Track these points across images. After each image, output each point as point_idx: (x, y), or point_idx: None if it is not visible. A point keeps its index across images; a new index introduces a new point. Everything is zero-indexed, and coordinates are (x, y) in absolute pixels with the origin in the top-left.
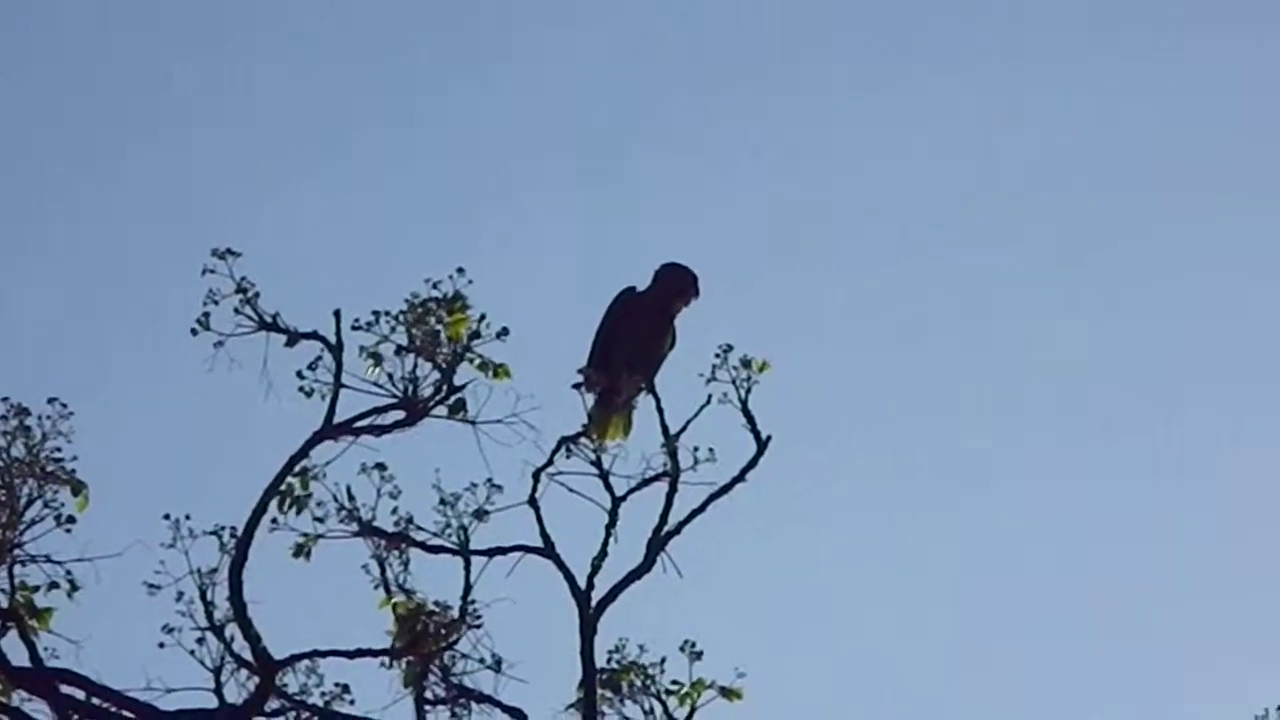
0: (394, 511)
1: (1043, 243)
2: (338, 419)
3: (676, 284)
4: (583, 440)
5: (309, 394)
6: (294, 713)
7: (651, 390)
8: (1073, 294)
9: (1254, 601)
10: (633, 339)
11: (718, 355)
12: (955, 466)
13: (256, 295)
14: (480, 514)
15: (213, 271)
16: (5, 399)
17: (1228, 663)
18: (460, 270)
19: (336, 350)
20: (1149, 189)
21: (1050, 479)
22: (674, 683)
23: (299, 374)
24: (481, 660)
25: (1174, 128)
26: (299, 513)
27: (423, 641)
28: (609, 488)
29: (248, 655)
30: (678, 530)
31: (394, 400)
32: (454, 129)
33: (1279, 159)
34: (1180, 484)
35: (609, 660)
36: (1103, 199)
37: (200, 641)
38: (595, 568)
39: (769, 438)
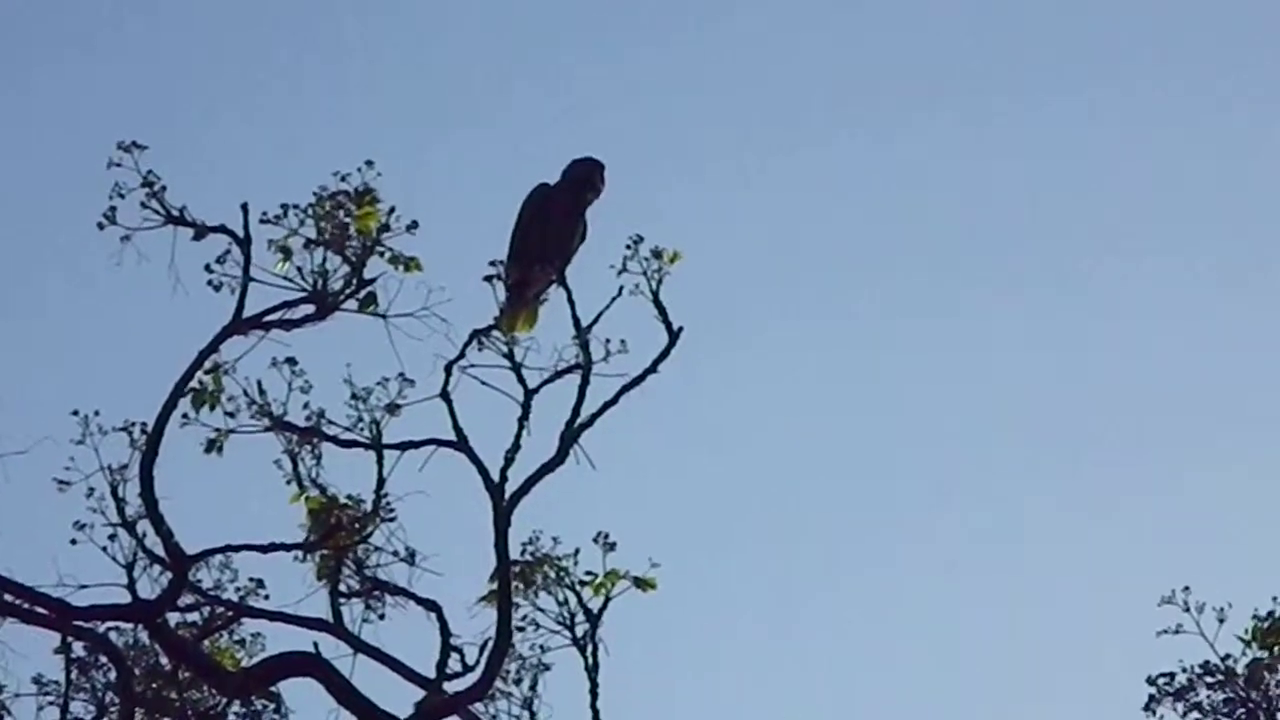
0: (305, 406)
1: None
2: (247, 313)
3: (584, 176)
4: (494, 333)
5: (218, 288)
6: (208, 608)
7: (563, 283)
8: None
9: None
10: (545, 233)
11: (629, 246)
12: (867, 354)
13: (163, 189)
14: (392, 408)
15: (119, 165)
16: None
17: None
18: (369, 163)
19: (245, 244)
20: None
21: (966, 368)
22: (588, 574)
23: (207, 268)
24: (395, 553)
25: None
26: (211, 409)
27: (336, 535)
28: (521, 380)
29: (160, 551)
30: (590, 422)
31: (304, 294)
32: (365, 25)
33: None
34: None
35: (523, 552)
36: None
37: (112, 538)
38: (508, 460)
39: (680, 329)
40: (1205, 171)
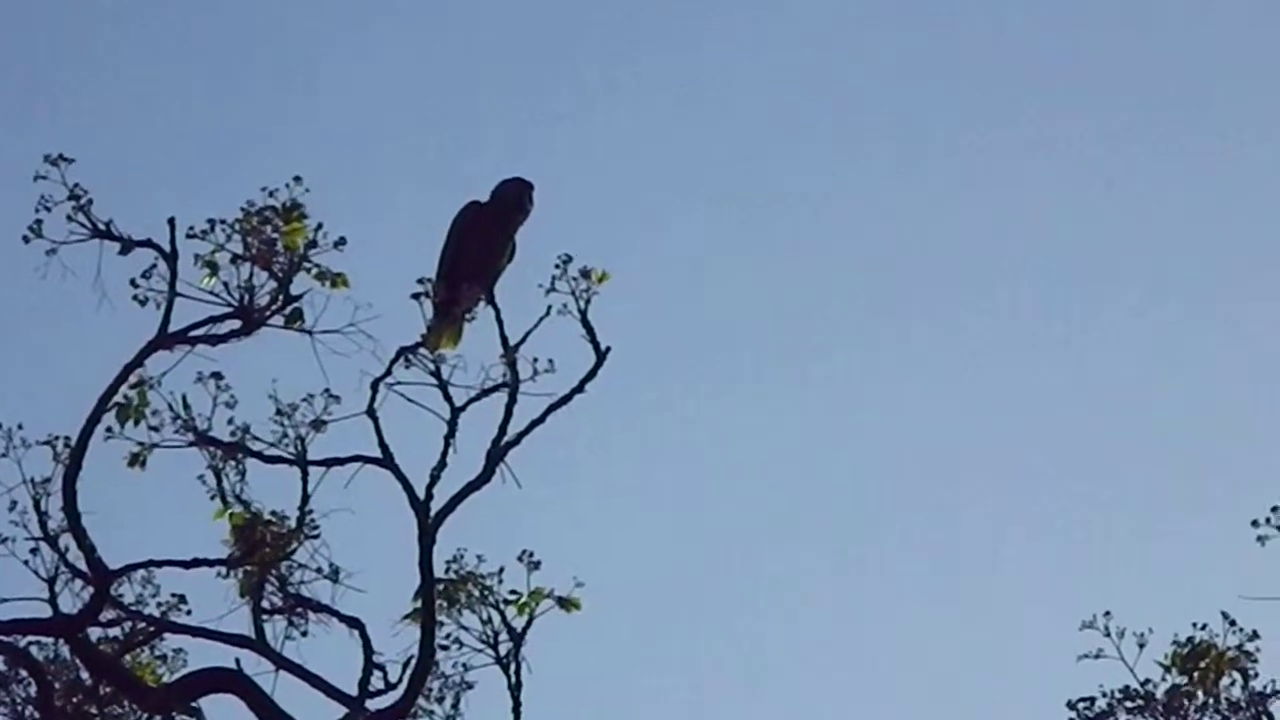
0: (230, 421)
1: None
2: (173, 328)
3: (513, 196)
4: (421, 351)
5: (143, 303)
6: (129, 623)
7: (491, 301)
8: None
9: None
10: (474, 251)
11: (557, 266)
12: (795, 376)
13: (89, 202)
14: (318, 424)
15: (45, 178)
16: None
17: None
18: (297, 179)
19: (171, 258)
20: None
21: (902, 396)
22: (512, 592)
23: (133, 282)
24: (319, 570)
25: None
26: (135, 423)
27: (259, 551)
28: (448, 398)
29: (82, 565)
30: (517, 441)
31: (230, 310)
32: (298, 39)
33: None
34: None
35: (447, 570)
36: None
37: (34, 552)
38: (434, 478)
39: (608, 349)
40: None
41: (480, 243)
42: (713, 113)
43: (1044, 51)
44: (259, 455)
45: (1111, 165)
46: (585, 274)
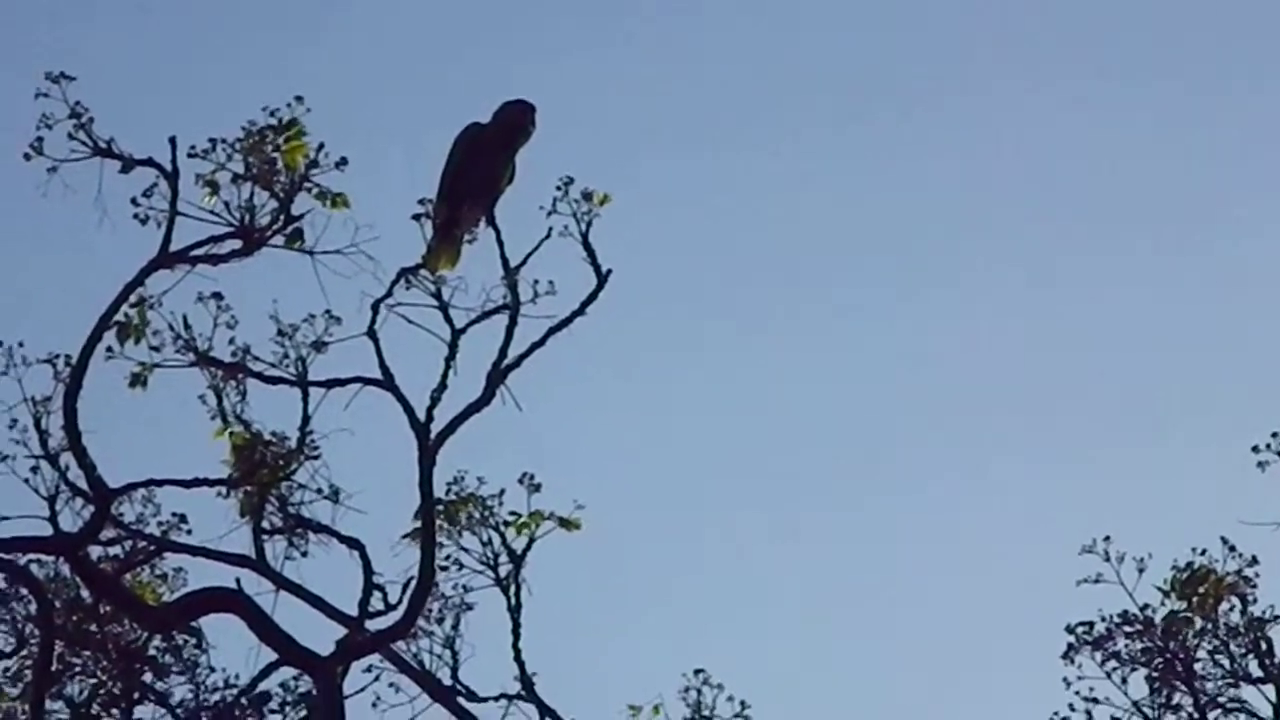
0: (231, 342)
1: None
2: (174, 247)
3: (515, 119)
4: (422, 272)
5: (144, 221)
6: (130, 542)
7: (492, 223)
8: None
9: None
10: (475, 171)
11: (559, 188)
12: (796, 301)
13: (90, 120)
14: (319, 345)
15: (46, 96)
16: None
17: None
18: (299, 98)
19: (172, 177)
20: None
21: (902, 327)
22: (512, 514)
23: (134, 201)
24: (319, 490)
25: None
26: (136, 342)
27: (260, 471)
28: (449, 320)
29: (83, 484)
30: (517, 363)
31: (231, 229)
32: None
33: None
34: None
35: (448, 492)
36: None
37: (34, 470)
38: (434, 400)
39: (609, 271)
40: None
41: (481, 163)
42: (719, 46)
43: None
44: (260, 376)
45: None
46: (587, 196)
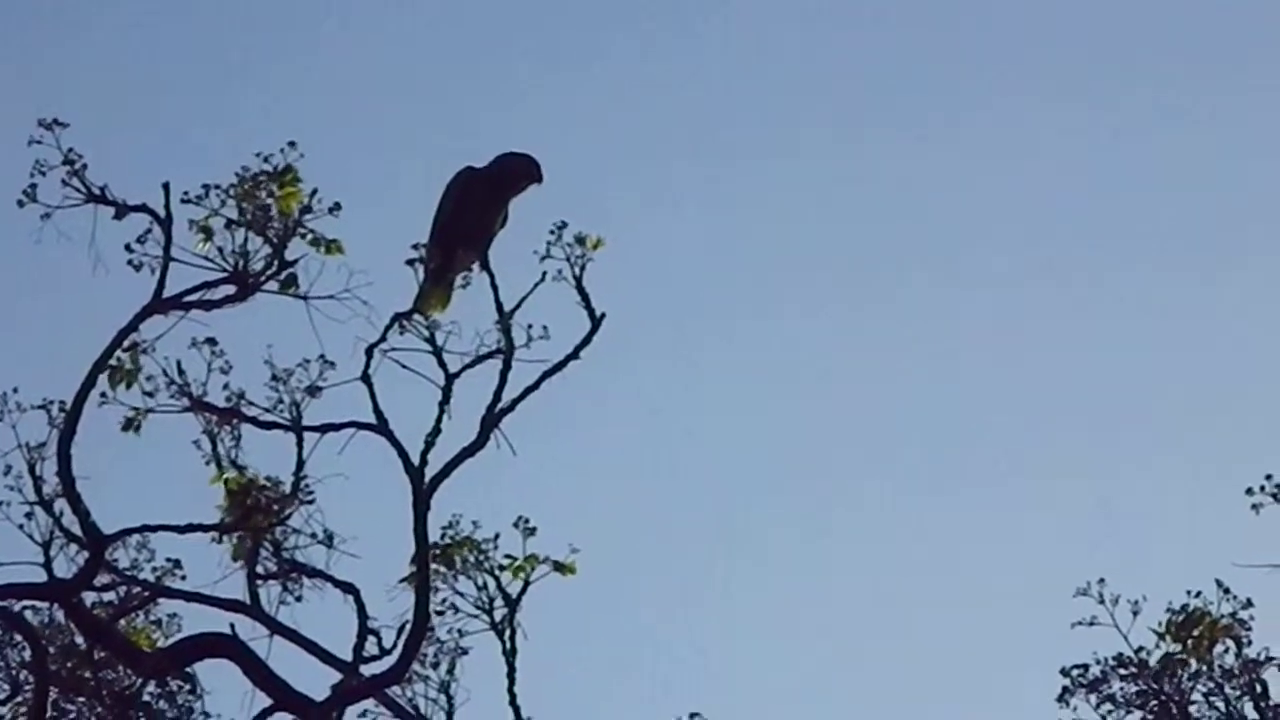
0: (226, 387)
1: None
2: (168, 293)
3: (521, 168)
4: (416, 317)
5: (138, 268)
6: (124, 587)
7: (486, 267)
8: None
9: None
10: (469, 216)
11: (552, 232)
12: (790, 344)
13: (84, 167)
14: (313, 390)
15: (39, 142)
16: None
17: None
18: (291, 144)
19: (166, 223)
20: None
21: (891, 361)
22: (508, 558)
23: (127, 247)
24: (314, 535)
25: None
26: (129, 388)
27: (254, 517)
28: (443, 365)
29: (77, 530)
30: (511, 407)
31: (225, 275)
32: (293, 5)
33: None
34: None
35: (443, 536)
36: None
37: (29, 516)
38: (428, 444)
39: (603, 315)
40: None
41: (476, 207)
42: (707, 77)
43: None
44: (254, 420)
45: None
46: (580, 240)
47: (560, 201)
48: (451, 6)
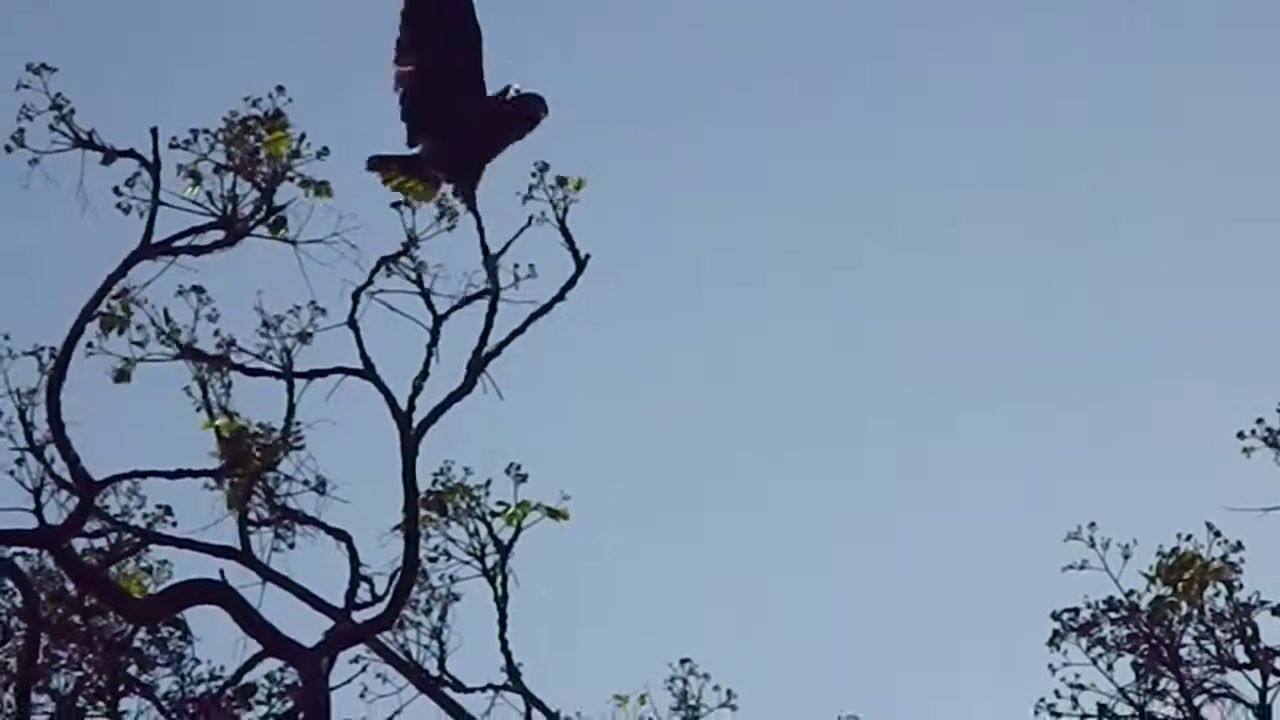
0: (216, 334)
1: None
2: (156, 239)
3: (530, 106)
4: (403, 259)
5: (126, 210)
6: (115, 534)
7: (472, 208)
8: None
9: None
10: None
11: (534, 174)
12: (772, 277)
13: (72, 111)
14: (303, 336)
15: (27, 87)
16: None
17: None
18: (280, 89)
19: (154, 168)
20: None
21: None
22: (499, 504)
23: (116, 190)
24: (305, 482)
25: None
26: (121, 334)
27: (245, 462)
28: (430, 306)
29: (67, 476)
30: (498, 351)
31: (213, 219)
32: None
33: None
34: None
35: (434, 483)
36: None
37: (19, 462)
38: (416, 389)
39: (588, 256)
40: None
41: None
42: (691, 24)
43: None
44: (243, 368)
45: None
46: (562, 182)
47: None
48: None
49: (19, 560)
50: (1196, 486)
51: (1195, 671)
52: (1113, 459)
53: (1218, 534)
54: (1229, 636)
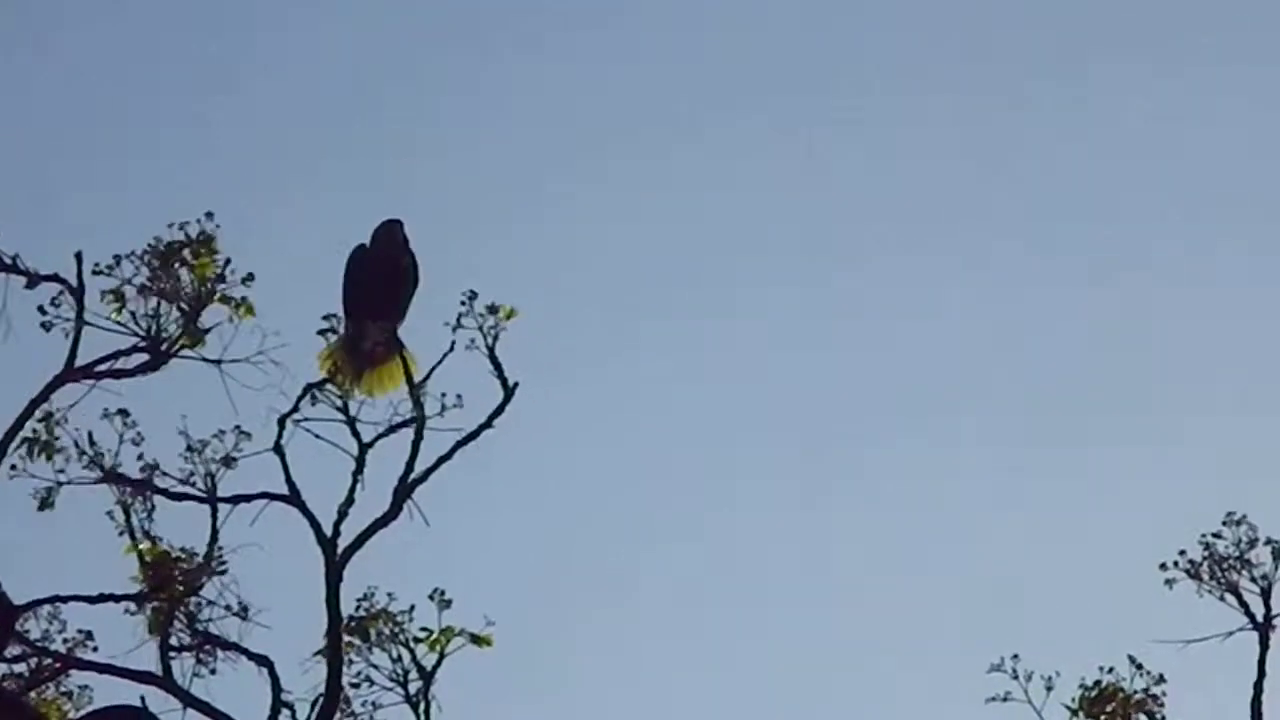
0: (139, 457)
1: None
2: (81, 361)
3: (386, 234)
4: (329, 387)
5: (48, 329)
6: (35, 659)
7: (395, 337)
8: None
9: None
10: (360, 288)
11: (463, 302)
12: (699, 405)
13: None
14: (228, 460)
15: None
16: None
17: None
18: (209, 214)
19: (78, 292)
20: None
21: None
22: (423, 630)
23: (41, 309)
24: (228, 607)
25: None
26: (49, 459)
27: (168, 587)
28: (356, 434)
29: None
30: (424, 477)
31: (138, 341)
32: (203, 77)
33: None
34: None
35: (358, 608)
36: None
37: None
38: (341, 515)
39: (516, 384)
40: None
41: (364, 279)
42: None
43: None
44: (167, 492)
45: None
46: (492, 310)
47: (470, 266)
48: (361, 79)
49: None
50: (1119, 619)
51: None
52: (1035, 591)
53: (1140, 666)
54: None
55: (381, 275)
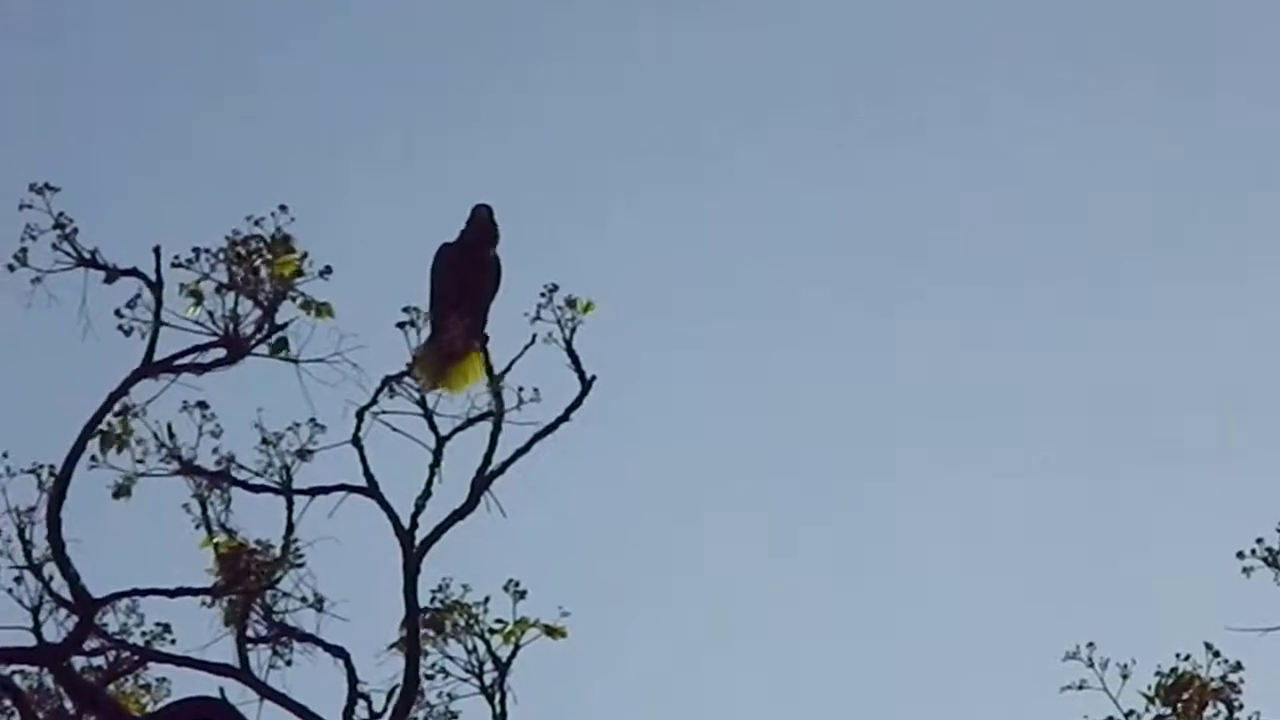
0: (215, 450)
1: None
2: (158, 357)
3: (475, 224)
4: (407, 379)
5: (128, 333)
6: (113, 652)
7: (481, 331)
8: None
9: None
10: (455, 287)
11: (543, 295)
12: (772, 402)
13: (75, 231)
14: (303, 453)
15: (30, 207)
16: None
17: None
18: (283, 208)
19: (156, 287)
20: None
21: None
22: (498, 621)
23: (117, 312)
24: (304, 599)
25: None
26: (119, 452)
27: (244, 580)
28: (433, 427)
29: (66, 594)
30: (502, 470)
31: (215, 338)
32: (281, 68)
33: None
34: None
35: (433, 600)
36: None
37: (18, 580)
38: (419, 507)
39: (593, 377)
40: None
41: (450, 270)
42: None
43: None
44: (244, 484)
45: None
46: (570, 303)
47: (552, 257)
48: (442, 71)
49: (17, 678)
50: (1196, 606)
51: None
52: (1112, 578)
53: (1217, 654)
54: None
55: (468, 267)
